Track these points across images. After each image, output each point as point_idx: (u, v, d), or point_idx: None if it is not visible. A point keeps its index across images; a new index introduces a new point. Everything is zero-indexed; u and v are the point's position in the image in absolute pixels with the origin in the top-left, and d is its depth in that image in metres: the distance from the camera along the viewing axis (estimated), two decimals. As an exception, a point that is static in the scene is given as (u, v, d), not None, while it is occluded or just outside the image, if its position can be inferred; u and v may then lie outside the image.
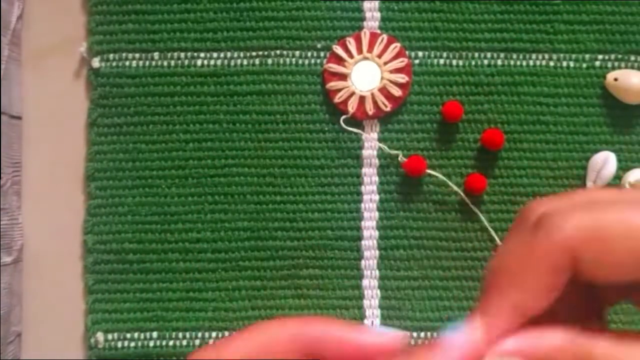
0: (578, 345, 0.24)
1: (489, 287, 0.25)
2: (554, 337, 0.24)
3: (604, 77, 0.44)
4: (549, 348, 0.24)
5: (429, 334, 0.44)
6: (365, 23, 0.45)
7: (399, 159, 0.44)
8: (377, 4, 0.45)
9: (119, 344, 0.44)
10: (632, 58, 0.44)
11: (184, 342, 0.44)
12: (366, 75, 0.44)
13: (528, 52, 0.45)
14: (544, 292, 0.24)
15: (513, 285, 0.25)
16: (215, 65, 0.45)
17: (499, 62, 0.45)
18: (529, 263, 0.24)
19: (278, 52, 0.45)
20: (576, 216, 0.23)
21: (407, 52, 0.45)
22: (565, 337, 0.24)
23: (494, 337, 0.24)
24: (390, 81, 0.44)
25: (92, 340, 0.44)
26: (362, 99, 0.44)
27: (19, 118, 0.45)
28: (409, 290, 0.44)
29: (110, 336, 0.44)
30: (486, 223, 0.44)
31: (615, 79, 0.44)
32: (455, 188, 0.44)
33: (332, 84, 0.44)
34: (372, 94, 0.44)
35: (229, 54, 0.45)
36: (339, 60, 0.44)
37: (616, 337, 0.24)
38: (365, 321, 0.44)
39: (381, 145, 0.44)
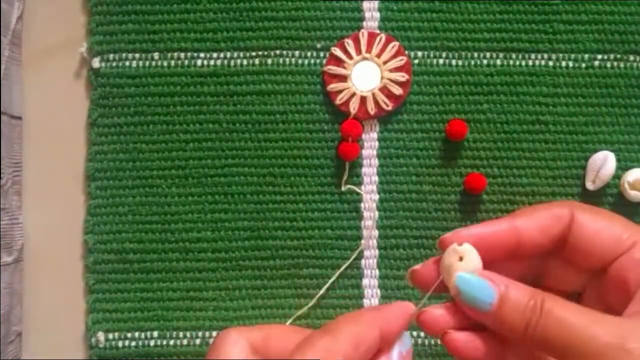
0: (538, 295, 0.29)
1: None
2: (521, 287, 0.29)
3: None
4: (517, 296, 0.29)
5: (428, 333, 0.44)
6: (364, 23, 0.45)
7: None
8: (376, 4, 0.45)
9: (120, 344, 0.44)
10: (631, 58, 0.45)
11: (185, 342, 0.44)
12: (366, 76, 0.44)
13: (527, 52, 0.45)
14: (541, 228, 0.31)
15: (522, 214, 0.32)
16: (215, 66, 0.45)
17: (498, 62, 0.45)
18: (539, 205, 0.32)
19: (278, 52, 0.45)
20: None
21: (406, 52, 0.45)
22: (528, 289, 0.29)
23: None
24: (391, 80, 0.44)
25: (93, 339, 0.44)
26: (363, 99, 0.44)
27: (20, 118, 0.45)
28: (409, 289, 0.44)
29: (110, 336, 0.44)
30: None
31: None
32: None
33: (333, 86, 0.44)
34: (373, 94, 0.44)
35: (228, 54, 0.45)
36: (338, 62, 0.44)
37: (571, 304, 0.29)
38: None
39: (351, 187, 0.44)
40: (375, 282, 0.44)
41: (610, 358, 0.27)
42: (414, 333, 0.44)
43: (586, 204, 0.33)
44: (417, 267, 0.32)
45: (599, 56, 0.45)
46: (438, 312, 0.30)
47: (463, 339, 0.30)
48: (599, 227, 0.31)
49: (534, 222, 0.31)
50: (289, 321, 0.44)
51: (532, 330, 0.28)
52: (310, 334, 0.28)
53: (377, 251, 0.44)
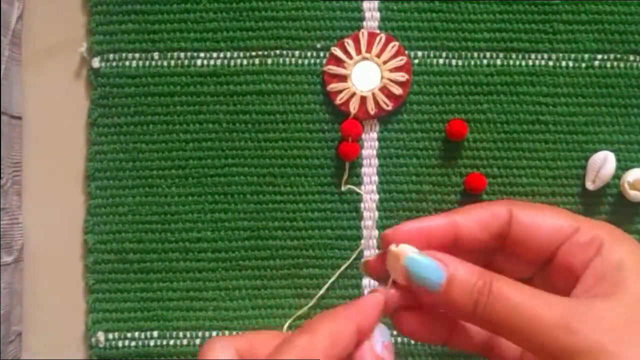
0: (486, 275, 0.29)
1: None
2: (469, 267, 0.30)
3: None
4: (464, 273, 0.29)
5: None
6: (364, 23, 0.45)
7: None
8: (376, 3, 0.45)
9: (120, 344, 0.44)
10: (631, 58, 0.45)
11: (185, 342, 0.44)
12: (366, 76, 0.44)
13: (527, 52, 0.45)
14: (480, 224, 0.31)
15: (460, 210, 0.32)
16: (215, 65, 0.45)
17: (498, 62, 0.45)
18: (477, 204, 0.32)
19: (278, 52, 0.45)
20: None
21: (406, 52, 0.45)
22: (477, 269, 0.30)
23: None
24: (391, 80, 0.44)
25: (93, 339, 0.44)
26: (363, 99, 0.44)
27: (20, 118, 0.45)
28: (409, 290, 0.44)
29: (110, 335, 0.44)
30: None
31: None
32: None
33: (333, 86, 0.44)
34: (373, 94, 0.44)
35: (228, 54, 0.45)
36: (338, 62, 0.44)
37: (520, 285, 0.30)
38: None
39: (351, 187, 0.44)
40: (375, 282, 0.44)
41: (555, 338, 0.27)
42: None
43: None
44: (371, 258, 0.33)
45: (599, 56, 0.45)
46: (389, 293, 0.31)
47: (411, 318, 0.31)
48: (539, 221, 0.31)
49: (472, 218, 0.32)
50: (289, 321, 0.44)
51: (480, 310, 0.29)
52: (289, 335, 0.29)
53: (377, 251, 0.44)
